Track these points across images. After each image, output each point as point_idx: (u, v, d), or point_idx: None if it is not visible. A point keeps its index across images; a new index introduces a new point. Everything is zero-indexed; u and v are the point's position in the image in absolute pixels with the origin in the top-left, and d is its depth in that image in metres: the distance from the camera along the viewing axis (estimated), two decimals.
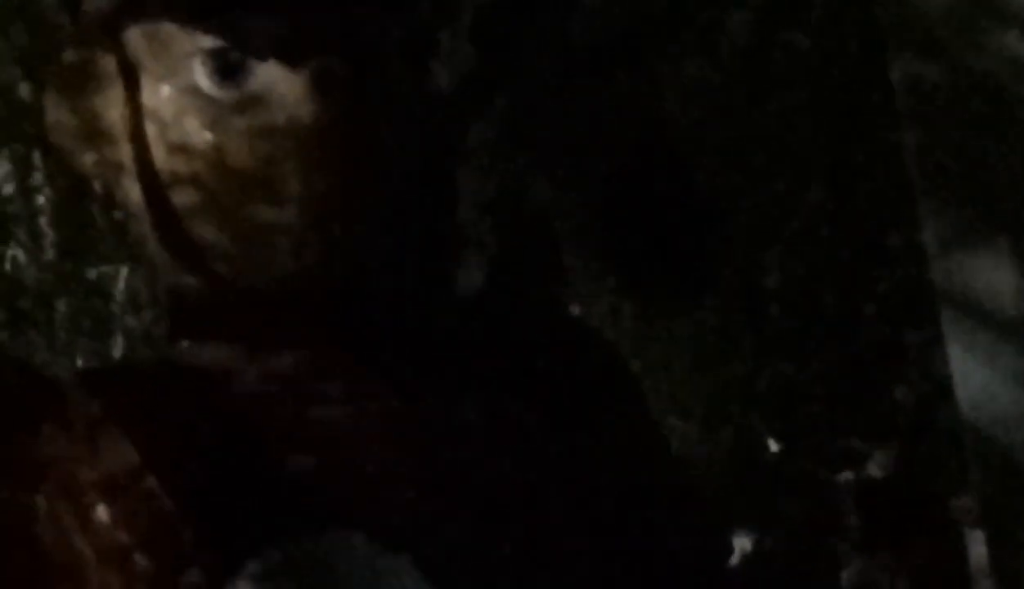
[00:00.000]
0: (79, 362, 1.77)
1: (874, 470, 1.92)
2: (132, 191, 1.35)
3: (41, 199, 1.82)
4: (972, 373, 1.72)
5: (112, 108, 1.35)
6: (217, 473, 1.27)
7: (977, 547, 1.77)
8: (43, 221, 1.80)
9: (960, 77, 1.65)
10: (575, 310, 1.78)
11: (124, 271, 1.70)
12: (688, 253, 1.81)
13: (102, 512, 1.24)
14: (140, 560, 1.23)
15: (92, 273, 1.72)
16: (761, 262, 1.83)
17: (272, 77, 1.30)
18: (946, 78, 1.65)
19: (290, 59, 1.29)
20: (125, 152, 1.35)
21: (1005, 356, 1.72)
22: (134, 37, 1.33)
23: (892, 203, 1.74)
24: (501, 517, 1.34)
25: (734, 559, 1.73)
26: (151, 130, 1.33)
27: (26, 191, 1.82)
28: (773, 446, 1.83)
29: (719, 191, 1.80)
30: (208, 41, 1.30)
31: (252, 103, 1.30)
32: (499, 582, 1.29)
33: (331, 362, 1.34)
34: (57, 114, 1.38)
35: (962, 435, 1.74)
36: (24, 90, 1.91)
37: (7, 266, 1.83)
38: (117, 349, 1.81)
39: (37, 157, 1.80)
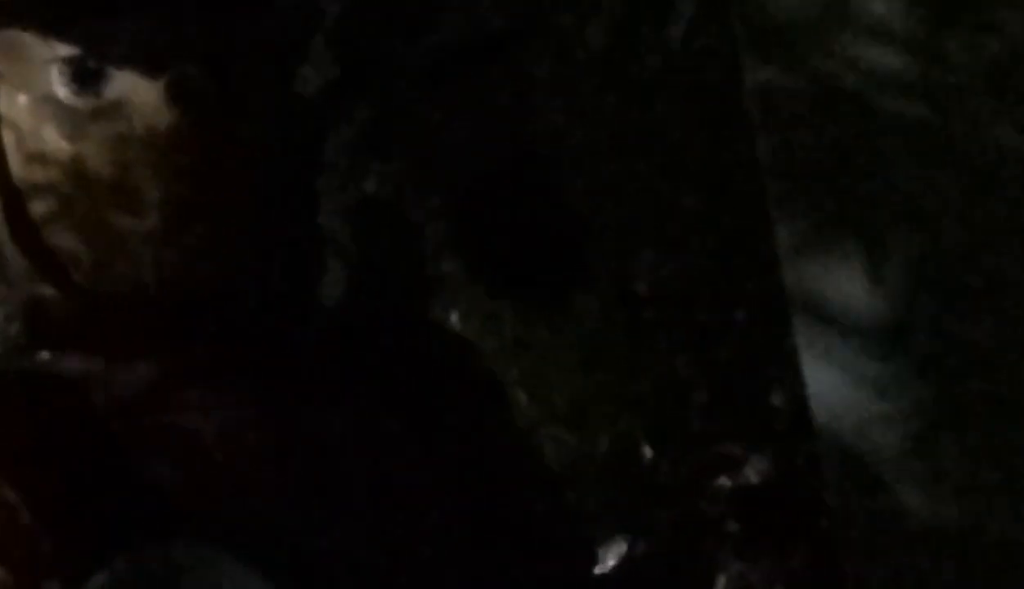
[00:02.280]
0: None
1: (751, 475, 1.93)
2: None
3: None
4: (824, 381, 1.74)
5: None
6: (76, 483, 1.26)
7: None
8: None
9: (813, 84, 1.67)
10: (454, 317, 1.78)
11: None
12: (561, 258, 1.81)
13: None
14: None
15: None
16: (635, 267, 1.84)
17: (130, 85, 1.29)
18: (799, 85, 1.67)
19: (148, 67, 1.29)
20: None
21: (858, 362, 1.74)
22: None
23: (751, 208, 1.76)
24: (364, 525, 1.33)
25: (609, 565, 1.74)
26: (8, 138, 1.32)
27: None
28: (648, 452, 1.84)
29: (591, 195, 1.81)
30: (65, 49, 1.29)
31: (110, 111, 1.29)
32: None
33: (192, 371, 1.34)
34: None
35: (816, 442, 1.76)
36: None
37: None
38: None
39: None
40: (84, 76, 1.29)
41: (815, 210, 1.68)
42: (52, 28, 1.29)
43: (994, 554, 1.74)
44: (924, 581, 1.73)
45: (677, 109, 1.81)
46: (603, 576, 1.69)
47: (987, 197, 1.72)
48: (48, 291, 1.34)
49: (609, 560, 1.80)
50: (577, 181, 1.80)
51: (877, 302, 1.72)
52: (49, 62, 1.29)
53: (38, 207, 1.32)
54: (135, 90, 1.29)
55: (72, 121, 1.30)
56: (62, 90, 1.30)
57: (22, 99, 1.31)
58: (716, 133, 1.79)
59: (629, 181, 1.82)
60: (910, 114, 1.70)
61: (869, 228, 1.69)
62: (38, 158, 1.31)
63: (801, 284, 1.69)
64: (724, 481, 1.90)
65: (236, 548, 1.23)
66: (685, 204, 1.82)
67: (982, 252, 1.73)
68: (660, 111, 1.82)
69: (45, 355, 1.35)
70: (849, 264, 1.70)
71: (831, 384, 1.72)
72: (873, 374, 1.72)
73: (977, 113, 1.71)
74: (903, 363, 1.73)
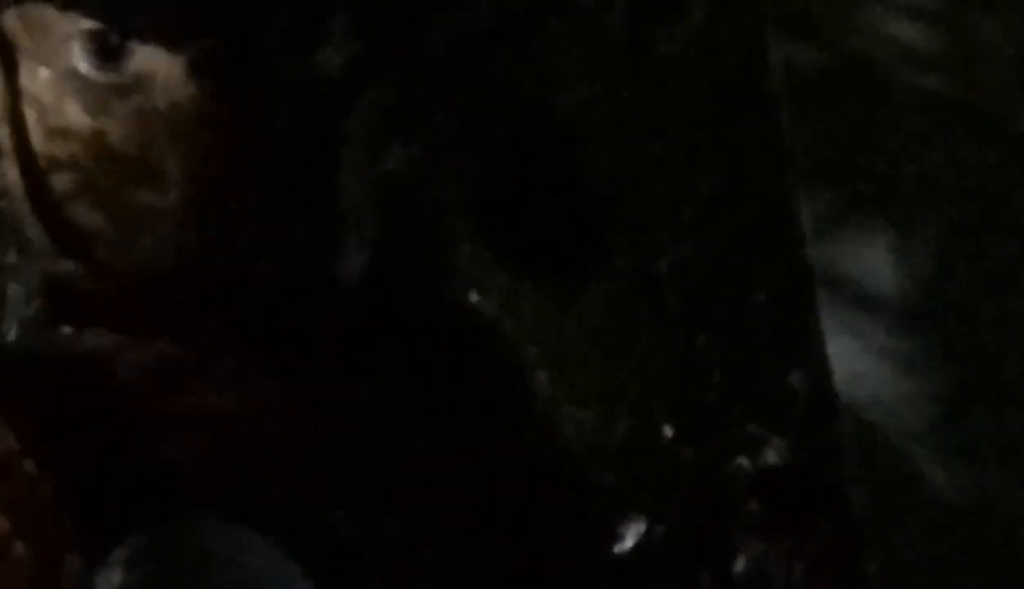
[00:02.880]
0: None
1: (771, 457, 1.92)
2: (11, 175, 1.34)
3: None
4: (849, 359, 1.73)
5: None
6: (97, 459, 1.26)
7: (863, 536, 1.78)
8: None
9: (839, 60, 1.66)
10: (472, 298, 1.78)
11: (14, 258, 1.68)
12: (582, 239, 1.81)
13: None
14: (18, 547, 1.22)
15: None
16: (655, 248, 1.83)
17: (152, 60, 1.29)
18: (824, 62, 1.66)
19: (171, 42, 1.29)
20: (3, 135, 1.33)
21: (882, 341, 1.73)
22: (11, 19, 1.32)
23: (774, 188, 1.76)
24: (383, 503, 1.33)
25: (627, 545, 1.74)
26: (30, 113, 1.32)
27: None
28: (668, 432, 1.84)
29: (612, 176, 1.80)
30: (87, 23, 1.29)
31: (132, 86, 1.29)
32: (378, 568, 1.29)
33: (212, 348, 1.34)
34: None
35: (840, 419, 1.75)
36: None
37: None
38: (11, 338, 1.79)
39: None
40: (106, 51, 1.29)
41: (840, 187, 1.67)
42: (74, 2, 1.29)
43: (1022, 532, 1.73)
44: (950, 560, 1.72)
45: (699, 88, 1.80)
46: (622, 556, 1.68)
47: (1014, 173, 1.72)
48: (69, 267, 1.34)
49: (628, 540, 1.79)
50: (598, 162, 1.79)
51: (903, 279, 1.72)
52: (71, 36, 1.29)
53: (60, 183, 1.32)
54: (157, 65, 1.29)
55: (94, 96, 1.30)
56: (84, 65, 1.30)
57: (44, 73, 1.31)
58: (739, 112, 1.78)
59: (650, 162, 1.81)
60: (937, 91, 1.69)
61: (895, 205, 1.68)
62: (60, 133, 1.31)
63: (826, 262, 1.68)
64: (744, 462, 1.89)
65: (255, 526, 1.23)
66: (706, 185, 1.81)
67: (1010, 229, 1.73)
68: (682, 90, 1.81)
69: (66, 331, 1.35)
70: (875, 241, 1.69)
71: (856, 362, 1.72)
72: (899, 352, 1.72)
73: (1005, 90, 1.71)
74: (930, 340, 1.72)
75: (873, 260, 1.71)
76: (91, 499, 1.24)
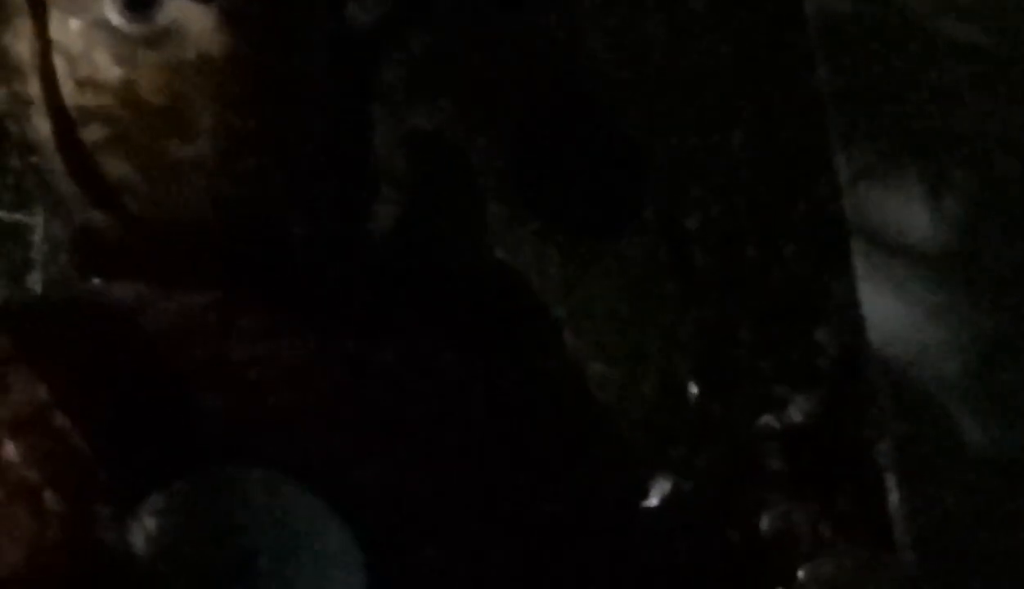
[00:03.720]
0: None
1: (796, 415, 1.92)
2: (42, 127, 1.34)
3: None
4: (883, 309, 1.73)
5: (20, 42, 1.33)
6: (128, 410, 1.26)
7: (894, 489, 1.78)
8: None
9: (875, 10, 1.66)
10: (500, 255, 1.77)
11: (42, 214, 1.68)
12: (610, 196, 1.80)
13: (11, 450, 1.23)
14: (50, 498, 1.22)
15: (8, 217, 1.70)
16: (685, 204, 1.83)
17: (183, 11, 1.29)
18: (861, 12, 1.65)
19: None
20: (34, 87, 1.33)
21: (916, 291, 1.73)
22: None
23: (808, 140, 1.75)
24: (416, 455, 1.33)
25: (654, 502, 1.74)
26: (60, 65, 1.31)
27: None
28: (695, 390, 1.83)
29: (640, 133, 1.80)
30: None
31: (162, 37, 1.29)
32: (411, 519, 1.29)
33: (244, 300, 1.33)
34: None
35: (873, 370, 1.75)
36: None
37: None
38: (37, 291, 1.80)
39: None
40: (137, 1, 1.28)
41: (876, 138, 1.67)
42: None
43: None
44: (983, 510, 1.72)
45: (734, 39, 1.80)
46: (649, 513, 1.68)
47: None
48: (100, 219, 1.34)
49: (654, 498, 1.80)
50: (629, 117, 1.79)
51: (938, 230, 1.71)
52: None
53: (90, 134, 1.31)
54: (188, 16, 1.29)
55: (124, 47, 1.29)
56: (115, 15, 1.29)
57: (74, 24, 1.31)
58: (774, 64, 1.77)
59: (681, 116, 1.81)
60: (973, 42, 1.68)
61: (930, 156, 1.68)
62: (90, 84, 1.30)
63: (861, 212, 1.68)
64: (771, 420, 1.89)
65: (287, 475, 1.23)
66: (738, 138, 1.81)
67: None
68: (716, 42, 1.81)
69: (96, 283, 1.35)
70: (910, 192, 1.69)
71: (890, 311, 1.71)
72: (933, 301, 1.71)
73: None
74: (963, 290, 1.72)
75: (908, 210, 1.70)
76: (122, 450, 1.24)
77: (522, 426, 1.43)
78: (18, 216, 1.68)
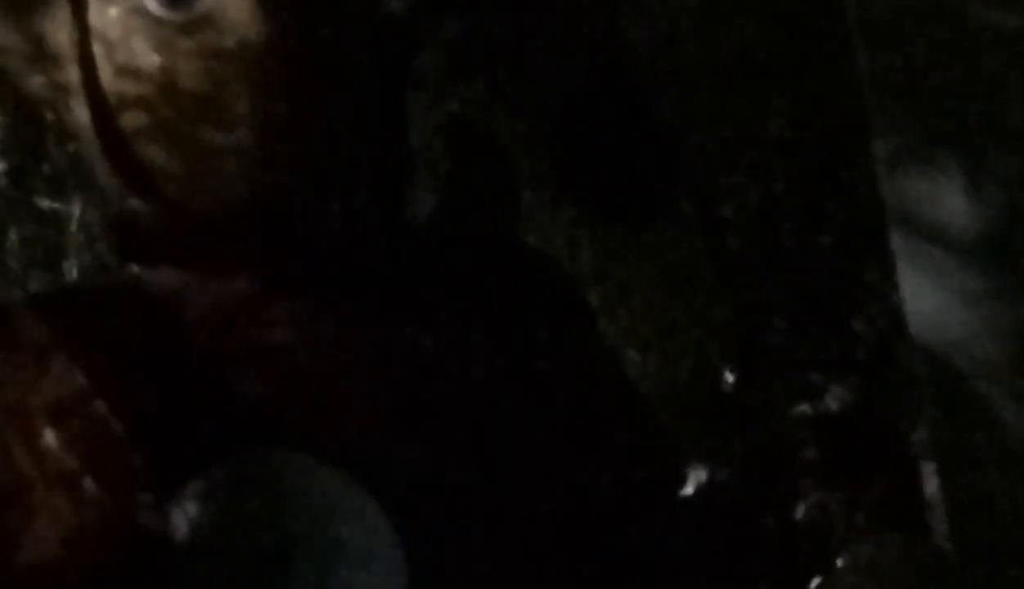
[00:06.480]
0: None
1: (832, 403, 1.91)
2: (80, 114, 1.34)
3: None
4: (922, 295, 1.72)
5: (59, 30, 1.34)
6: (166, 396, 1.27)
7: (930, 477, 1.78)
8: None
9: None
10: (535, 240, 1.77)
11: (78, 202, 1.69)
12: (646, 183, 1.80)
13: (50, 436, 1.23)
14: (89, 484, 1.22)
15: (45, 203, 1.70)
16: (721, 191, 1.82)
17: None
18: None
19: None
20: (73, 74, 1.33)
21: (956, 277, 1.72)
22: None
23: (847, 128, 1.74)
24: (452, 441, 1.33)
25: (689, 490, 1.74)
26: (99, 52, 1.32)
27: None
28: (730, 378, 1.83)
29: (676, 119, 1.79)
30: None
31: (200, 25, 1.29)
32: (448, 503, 1.29)
33: (282, 286, 1.34)
34: (3, 36, 1.37)
35: (911, 357, 1.74)
36: None
37: None
38: (72, 279, 1.80)
39: None
40: None
41: (914, 124, 1.66)
42: None
43: None
44: (1020, 498, 1.71)
45: (772, 25, 1.79)
46: (683, 501, 1.68)
47: None
48: (138, 206, 1.34)
49: (689, 486, 1.79)
50: (665, 102, 1.78)
51: (977, 216, 1.70)
52: None
53: (128, 121, 1.31)
54: (225, 3, 1.29)
55: (162, 34, 1.29)
56: (153, 3, 1.29)
57: (112, 11, 1.31)
58: (812, 49, 1.77)
59: (717, 103, 1.80)
60: (1013, 27, 1.68)
61: (970, 141, 1.67)
62: (128, 71, 1.30)
63: (899, 198, 1.67)
64: (806, 408, 1.89)
65: (324, 461, 1.23)
66: (775, 124, 1.80)
67: None
68: (754, 27, 1.80)
69: (135, 270, 1.35)
70: (949, 178, 1.68)
71: (928, 298, 1.70)
72: (972, 288, 1.70)
73: None
74: (1004, 278, 1.71)
75: (947, 196, 1.69)
76: (162, 437, 1.24)
77: (558, 413, 1.43)
78: (55, 204, 1.68)
